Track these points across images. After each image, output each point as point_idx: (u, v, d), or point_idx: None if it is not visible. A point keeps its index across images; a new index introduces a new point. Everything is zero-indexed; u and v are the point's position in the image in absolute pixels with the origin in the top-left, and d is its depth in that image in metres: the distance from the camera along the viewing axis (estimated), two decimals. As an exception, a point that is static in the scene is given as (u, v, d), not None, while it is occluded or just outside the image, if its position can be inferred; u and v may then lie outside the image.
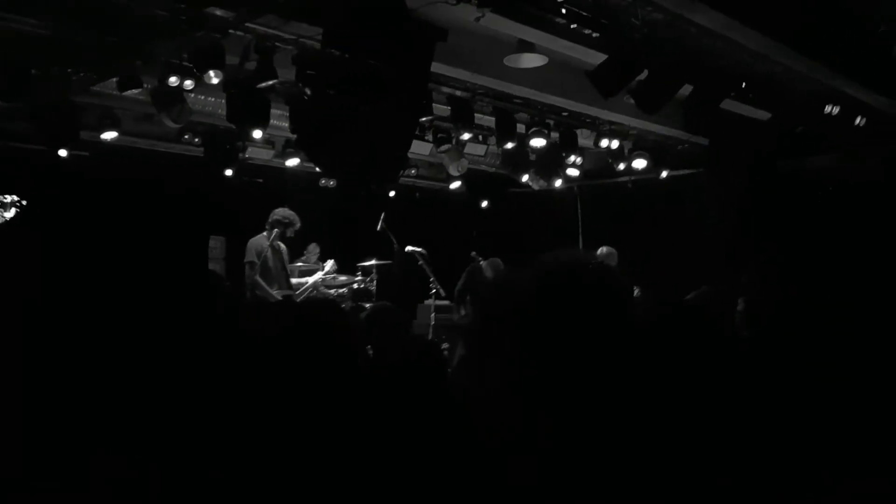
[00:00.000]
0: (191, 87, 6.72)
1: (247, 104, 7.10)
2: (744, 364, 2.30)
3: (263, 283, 7.76)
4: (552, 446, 1.53)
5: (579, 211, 12.48)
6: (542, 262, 1.56)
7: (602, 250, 9.19)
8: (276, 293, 7.82)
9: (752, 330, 3.09)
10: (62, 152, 7.95)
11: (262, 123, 7.52)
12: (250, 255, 7.88)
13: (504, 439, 1.61)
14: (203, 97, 7.93)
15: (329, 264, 9.00)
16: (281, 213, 8.05)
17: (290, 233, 8.07)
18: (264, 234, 8.03)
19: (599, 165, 11.21)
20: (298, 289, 8.56)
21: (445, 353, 8.90)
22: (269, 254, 7.93)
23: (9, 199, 7.69)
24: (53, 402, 1.93)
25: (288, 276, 8.26)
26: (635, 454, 1.57)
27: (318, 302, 7.55)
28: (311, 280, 8.76)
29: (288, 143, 9.71)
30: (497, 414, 1.65)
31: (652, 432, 1.64)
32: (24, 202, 7.64)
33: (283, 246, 8.24)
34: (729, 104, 8.04)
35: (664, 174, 10.99)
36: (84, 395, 1.97)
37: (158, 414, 2.00)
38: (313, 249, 9.54)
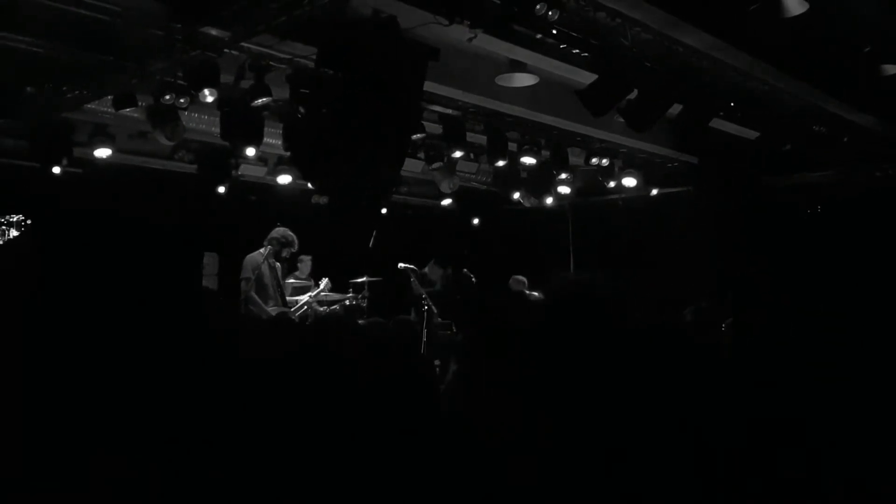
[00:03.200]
0: (185, 105, 6.76)
1: (241, 122, 7.14)
2: (732, 373, 2.35)
3: (258, 299, 7.78)
4: (552, 446, 1.57)
5: (570, 228, 12.55)
6: (551, 282, 1.62)
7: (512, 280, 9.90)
8: (272, 309, 7.83)
9: (741, 343, 3.15)
10: (55, 169, 7.96)
11: (256, 141, 7.57)
12: (246, 272, 7.92)
13: (504, 440, 1.65)
14: (197, 115, 7.96)
15: (324, 283, 9.02)
16: (280, 232, 8.08)
17: (285, 253, 8.10)
18: (261, 250, 8.06)
19: (590, 183, 11.29)
20: (293, 306, 8.57)
21: (437, 369, 8.91)
22: (266, 270, 7.95)
23: (14, 218, 7.69)
24: (54, 406, 1.96)
25: (283, 293, 8.28)
26: (633, 456, 1.61)
27: (321, 319, 7.58)
28: (304, 298, 8.78)
29: (280, 160, 9.75)
30: (498, 415, 1.69)
31: (648, 435, 1.68)
32: (28, 221, 7.65)
33: (278, 263, 8.27)
34: (718, 123, 8.14)
35: (654, 192, 11.09)
36: (83, 401, 1.99)
37: (158, 419, 2.03)
38: (306, 260, 9.55)
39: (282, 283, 8.35)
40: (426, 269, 10.03)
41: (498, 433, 1.77)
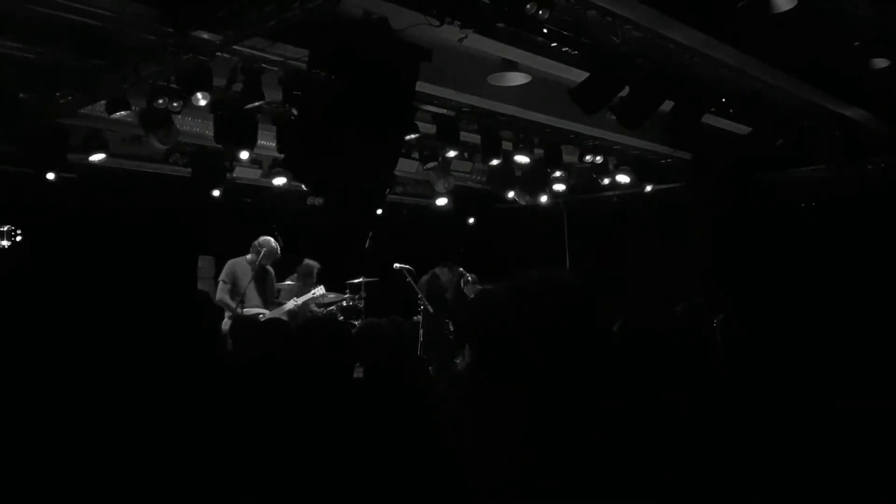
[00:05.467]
0: (178, 109, 6.76)
1: (234, 125, 7.14)
2: (719, 373, 2.36)
3: (229, 301, 7.78)
4: (546, 446, 1.58)
5: (566, 226, 12.57)
6: (518, 280, 1.63)
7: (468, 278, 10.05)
8: (247, 311, 7.81)
9: (730, 341, 3.16)
10: (50, 175, 7.96)
11: (250, 144, 7.57)
12: (222, 275, 7.96)
13: (499, 442, 1.66)
14: (190, 118, 7.97)
15: (319, 290, 8.99)
16: (262, 240, 8.07)
17: (265, 261, 8.08)
18: (247, 256, 8.07)
19: (585, 181, 11.32)
20: (284, 309, 8.51)
21: (432, 369, 8.93)
22: (244, 274, 7.94)
23: (4, 228, 7.69)
24: (51, 406, 1.97)
25: (267, 297, 8.22)
26: (625, 455, 1.62)
27: (313, 320, 7.57)
28: (291, 303, 8.74)
29: (275, 162, 9.75)
30: (493, 417, 1.70)
31: (639, 435, 1.70)
32: (18, 231, 7.65)
33: (269, 268, 8.25)
34: (710, 118, 8.16)
35: (648, 188, 11.12)
36: (79, 402, 2.01)
37: (152, 418, 2.04)
38: (311, 264, 9.52)
39: (270, 287, 8.30)
40: (436, 271, 10.05)
41: (493, 436, 1.78)
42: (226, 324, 7.39)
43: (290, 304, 8.50)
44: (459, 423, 2.07)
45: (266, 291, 8.21)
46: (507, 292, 1.75)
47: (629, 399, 1.79)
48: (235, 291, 7.88)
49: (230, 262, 8.03)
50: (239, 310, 7.78)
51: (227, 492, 2.04)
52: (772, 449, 2.10)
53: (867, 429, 2.21)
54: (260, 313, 7.80)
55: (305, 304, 8.56)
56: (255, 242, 8.09)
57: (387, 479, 2.06)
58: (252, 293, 8.00)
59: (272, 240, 8.12)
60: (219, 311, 7.72)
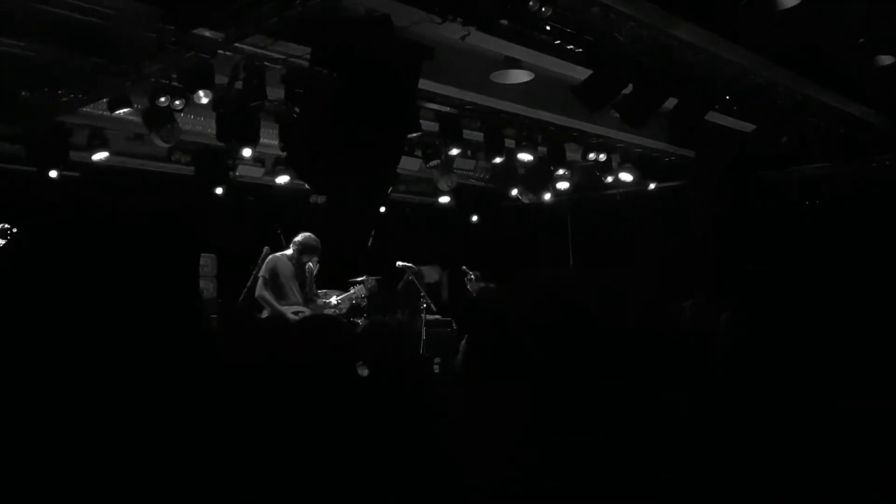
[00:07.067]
0: (180, 107, 6.76)
1: (236, 123, 7.14)
2: (725, 371, 2.35)
3: (270, 298, 7.72)
4: (544, 446, 1.58)
5: (569, 224, 12.55)
6: (519, 279, 1.63)
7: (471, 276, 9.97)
8: (286, 308, 7.77)
9: (735, 339, 3.15)
10: (52, 173, 7.96)
11: (252, 142, 7.56)
12: (263, 270, 7.87)
13: (500, 441, 1.66)
14: (193, 116, 7.96)
15: (360, 289, 8.97)
16: (301, 237, 7.96)
17: (304, 258, 8.01)
18: (287, 251, 8.00)
19: (588, 179, 11.30)
20: (316, 307, 8.47)
21: (437, 368, 8.93)
22: (286, 270, 7.87)
23: (0, 226, 7.69)
24: (51, 407, 1.96)
25: (307, 293, 8.16)
26: (625, 455, 1.61)
27: (316, 319, 7.51)
28: (333, 299, 8.73)
29: (278, 160, 9.76)
30: (493, 417, 1.69)
31: (641, 433, 1.69)
32: (14, 229, 7.64)
33: (310, 265, 8.18)
34: (714, 116, 8.13)
35: (652, 186, 11.10)
36: (79, 402, 2.00)
37: (152, 418, 2.04)
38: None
39: (309, 283, 8.24)
40: (469, 287, 10.11)
41: (493, 436, 1.77)
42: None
43: (333, 300, 8.50)
44: (459, 422, 2.07)
45: (306, 288, 8.16)
46: (508, 291, 1.74)
47: (629, 399, 1.78)
48: (275, 288, 7.82)
49: (271, 258, 7.95)
50: (276, 303, 7.75)
51: (227, 491, 2.03)
52: (772, 449, 2.09)
53: (867, 429, 2.20)
54: (300, 311, 7.75)
55: (344, 301, 8.57)
56: (296, 239, 8.02)
57: (387, 479, 2.06)
58: (292, 290, 7.95)
59: (312, 236, 8.04)
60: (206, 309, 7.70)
